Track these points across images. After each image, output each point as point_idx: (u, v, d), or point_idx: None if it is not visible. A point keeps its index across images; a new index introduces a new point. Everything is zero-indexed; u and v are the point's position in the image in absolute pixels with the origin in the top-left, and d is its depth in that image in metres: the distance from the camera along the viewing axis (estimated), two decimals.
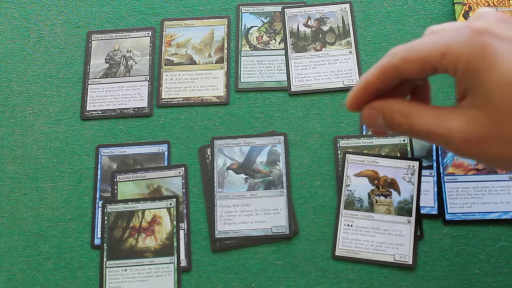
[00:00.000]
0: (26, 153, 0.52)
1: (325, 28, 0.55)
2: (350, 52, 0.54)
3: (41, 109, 0.53)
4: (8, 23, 0.57)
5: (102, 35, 0.56)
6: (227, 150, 0.50)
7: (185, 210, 0.48)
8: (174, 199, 0.48)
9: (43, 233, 0.49)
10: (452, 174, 0.48)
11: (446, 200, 0.47)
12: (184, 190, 0.49)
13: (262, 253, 0.47)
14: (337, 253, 0.46)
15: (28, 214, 0.49)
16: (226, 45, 0.55)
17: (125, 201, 0.49)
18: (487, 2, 0.54)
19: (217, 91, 0.53)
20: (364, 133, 0.50)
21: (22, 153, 0.52)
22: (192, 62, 0.55)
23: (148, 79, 0.54)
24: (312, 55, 0.54)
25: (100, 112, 0.53)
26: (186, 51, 0.55)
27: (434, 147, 0.48)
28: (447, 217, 0.46)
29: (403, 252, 0.45)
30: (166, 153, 0.51)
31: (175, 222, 0.48)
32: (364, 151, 0.49)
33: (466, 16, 0.53)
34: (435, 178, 0.48)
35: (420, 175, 0.47)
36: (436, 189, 0.47)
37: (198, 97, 0.53)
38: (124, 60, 0.55)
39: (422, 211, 0.46)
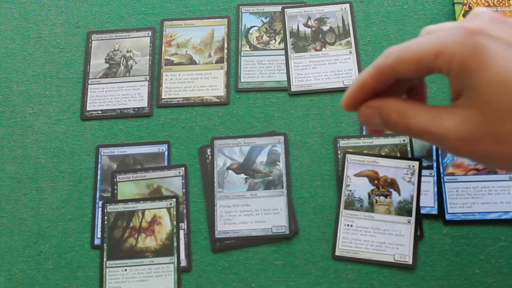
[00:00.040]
0: (26, 153, 0.52)
1: (325, 28, 0.55)
2: (350, 52, 0.54)
3: (41, 109, 0.53)
4: (8, 23, 0.57)
5: (102, 35, 0.56)
6: (227, 150, 0.50)
7: (185, 210, 0.48)
8: (174, 199, 0.48)
9: (43, 233, 0.49)
10: (452, 174, 0.48)
11: (446, 200, 0.47)
12: (184, 190, 0.49)
13: (262, 253, 0.47)
14: (337, 253, 0.46)
15: (28, 214, 0.49)
16: (226, 45, 0.55)
17: (125, 201, 0.49)
18: (487, 2, 0.54)
19: (217, 91, 0.53)
20: (364, 133, 0.50)
21: (22, 153, 0.52)
22: (192, 62, 0.55)
23: (148, 79, 0.54)
24: (312, 55, 0.54)
25: (100, 112, 0.53)
26: (186, 51, 0.55)
27: (434, 147, 0.48)
28: (447, 217, 0.46)
29: (403, 252, 0.45)
30: (166, 153, 0.51)
31: (175, 222, 0.48)
32: (364, 151, 0.49)
33: (466, 16, 0.53)
34: (435, 178, 0.48)
35: (420, 175, 0.47)
36: (436, 189, 0.47)
37: (198, 97, 0.53)
38: (124, 60, 0.55)
39: (422, 211, 0.46)
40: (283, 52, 0.54)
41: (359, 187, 0.48)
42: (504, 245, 0.45)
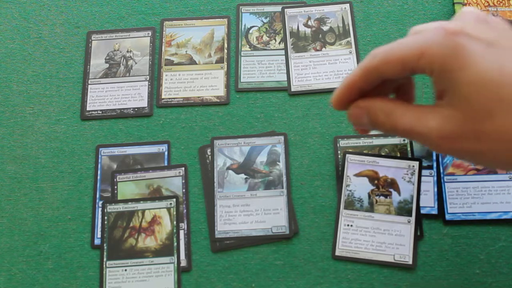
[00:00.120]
0: (26, 153, 0.52)
1: (325, 28, 0.55)
2: (350, 52, 0.54)
3: (41, 109, 0.53)
4: (8, 23, 0.57)
5: (102, 35, 0.56)
6: (227, 150, 0.50)
7: (185, 210, 0.48)
8: (174, 199, 0.48)
9: (43, 233, 0.49)
10: (452, 174, 0.48)
11: (446, 200, 0.47)
12: (184, 190, 0.49)
13: (262, 253, 0.47)
14: (337, 253, 0.46)
15: (28, 214, 0.49)
16: (226, 45, 0.55)
17: (125, 201, 0.49)
18: (487, 2, 0.54)
19: (217, 91, 0.53)
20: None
21: (22, 153, 0.52)
22: (192, 62, 0.55)
23: (148, 79, 0.54)
24: (312, 55, 0.54)
25: (100, 112, 0.53)
26: (186, 51, 0.55)
27: None
28: (447, 217, 0.46)
29: (403, 252, 0.45)
30: (166, 153, 0.51)
31: (175, 222, 0.48)
32: (364, 151, 0.49)
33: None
34: (435, 178, 0.48)
35: (420, 175, 0.47)
36: (436, 189, 0.47)
37: (198, 97, 0.53)
38: (124, 60, 0.55)
39: (422, 211, 0.46)
40: (283, 52, 0.54)
41: (359, 187, 0.48)
42: (504, 245, 0.45)
